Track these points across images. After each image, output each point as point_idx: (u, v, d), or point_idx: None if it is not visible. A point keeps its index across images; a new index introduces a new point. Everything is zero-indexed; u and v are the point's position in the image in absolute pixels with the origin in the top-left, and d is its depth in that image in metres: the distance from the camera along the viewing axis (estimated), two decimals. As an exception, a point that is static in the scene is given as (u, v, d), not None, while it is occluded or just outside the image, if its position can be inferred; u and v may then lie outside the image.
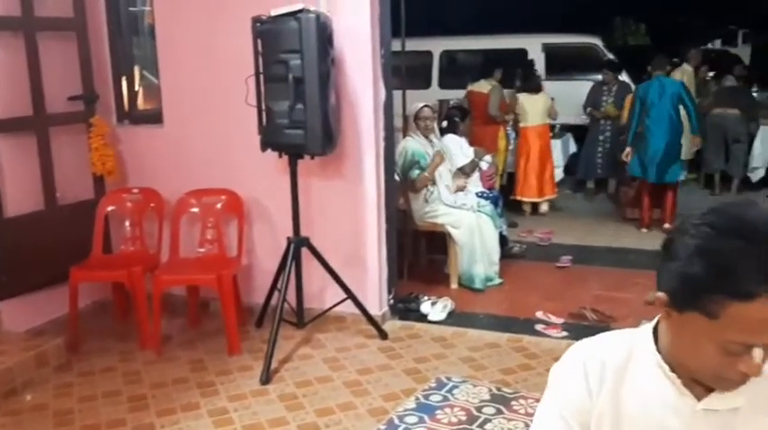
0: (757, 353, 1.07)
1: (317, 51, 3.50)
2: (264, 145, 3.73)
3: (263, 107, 3.68)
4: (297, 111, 3.54)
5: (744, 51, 16.28)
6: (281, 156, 3.81)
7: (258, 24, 3.62)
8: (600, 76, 7.93)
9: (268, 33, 3.61)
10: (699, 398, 1.21)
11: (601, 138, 7.50)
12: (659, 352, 1.24)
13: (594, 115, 7.57)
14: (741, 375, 1.10)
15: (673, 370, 1.21)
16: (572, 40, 9.08)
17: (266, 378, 3.55)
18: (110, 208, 4.36)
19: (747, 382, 1.13)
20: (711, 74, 8.76)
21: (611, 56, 8.71)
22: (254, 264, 4.39)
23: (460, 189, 5.05)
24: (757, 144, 7.77)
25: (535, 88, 6.97)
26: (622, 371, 1.28)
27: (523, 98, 6.92)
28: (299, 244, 3.85)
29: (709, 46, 18.59)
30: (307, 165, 3.90)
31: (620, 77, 7.77)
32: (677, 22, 18.11)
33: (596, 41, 8.91)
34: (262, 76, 3.67)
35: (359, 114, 3.98)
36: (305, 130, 3.54)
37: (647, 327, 1.30)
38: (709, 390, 1.20)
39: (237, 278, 4.15)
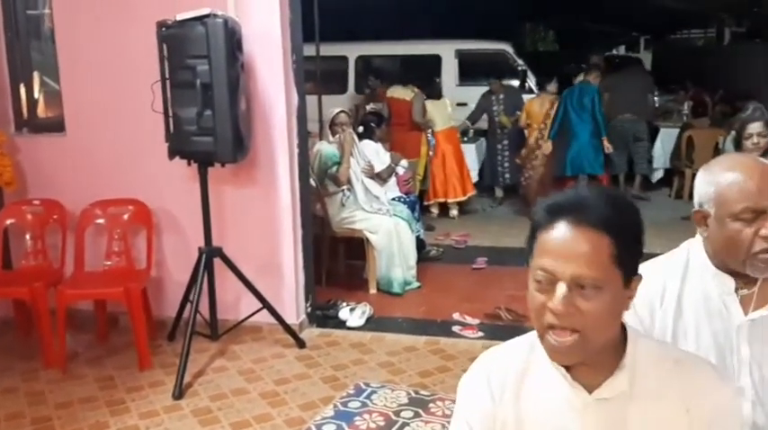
0: (560, 287, 1.15)
1: (225, 56, 3.43)
2: (172, 153, 3.63)
3: (170, 114, 3.58)
4: (205, 117, 3.46)
5: (645, 57, 17.12)
6: (190, 164, 3.71)
7: (163, 29, 3.52)
8: (514, 82, 8.17)
9: (174, 38, 3.51)
10: (591, 391, 1.25)
11: (499, 147, 7.69)
12: None
13: (468, 126, 7.88)
14: (550, 314, 1.16)
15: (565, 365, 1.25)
16: (484, 46, 9.26)
17: (179, 393, 3.44)
18: (9, 221, 4.14)
19: (562, 338, 1.17)
20: None
21: (520, 62, 8.95)
22: (165, 276, 4.25)
23: (349, 146, 4.94)
24: (658, 145, 8.14)
25: (437, 95, 7.21)
26: (523, 373, 1.31)
27: (429, 104, 7.05)
28: (210, 254, 3.76)
29: (614, 51, 19.42)
30: (218, 172, 3.81)
31: (507, 84, 7.99)
32: (584, 28, 18.81)
33: (507, 47, 9.12)
34: (168, 82, 3.56)
35: (271, 120, 3.92)
36: (214, 137, 3.46)
37: None
38: (601, 382, 1.24)
39: (147, 291, 4.02)
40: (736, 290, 1.62)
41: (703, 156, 7.43)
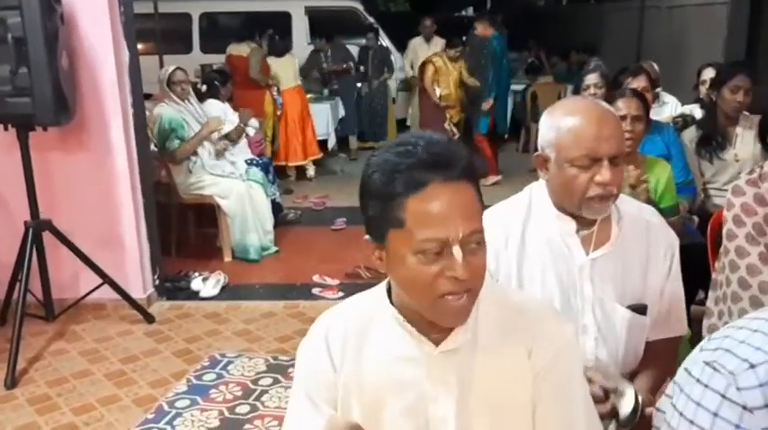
0: (457, 251, 1.05)
1: (39, 7, 3.06)
2: (-16, 117, 3.23)
3: (-21, 73, 3.17)
4: (20, 76, 3.09)
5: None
6: (7, 129, 3.31)
7: (-36, -24, 3.09)
8: (363, 41, 8.14)
9: (-23, -13, 3.09)
10: (437, 344, 1.18)
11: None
12: (393, 304, 1.20)
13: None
14: (453, 283, 1.07)
15: (409, 320, 1.18)
16: (334, 3, 9.10)
17: (12, 381, 3.12)
18: None
19: (467, 299, 1.10)
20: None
21: (372, 20, 8.88)
22: (-11, 256, 3.83)
23: (221, 153, 4.78)
24: (509, 102, 8.42)
25: (280, 51, 6.94)
26: (364, 333, 1.23)
27: (272, 62, 6.83)
28: (38, 228, 3.40)
29: (463, 13, 19.90)
30: (41, 138, 3.43)
31: (380, 42, 8.05)
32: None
33: (357, 6, 9.03)
34: (-27, 37, 3.14)
35: (100, 78, 3.58)
36: (32, 98, 3.10)
37: (383, 283, 1.26)
38: (446, 335, 1.18)
39: (-31, 273, 3.60)
40: (577, 231, 1.64)
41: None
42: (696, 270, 2.66)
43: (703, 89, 4.16)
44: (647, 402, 1.57)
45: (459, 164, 1.08)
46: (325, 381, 1.21)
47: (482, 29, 6.89)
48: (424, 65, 6.81)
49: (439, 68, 6.66)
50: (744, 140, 3.30)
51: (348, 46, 8.23)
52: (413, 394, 1.19)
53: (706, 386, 0.96)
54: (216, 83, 5.37)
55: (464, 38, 7.10)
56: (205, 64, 7.36)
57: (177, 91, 4.60)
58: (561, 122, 1.57)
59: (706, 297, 2.40)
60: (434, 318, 1.13)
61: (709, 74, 4.13)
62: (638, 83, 3.26)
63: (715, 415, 0.94)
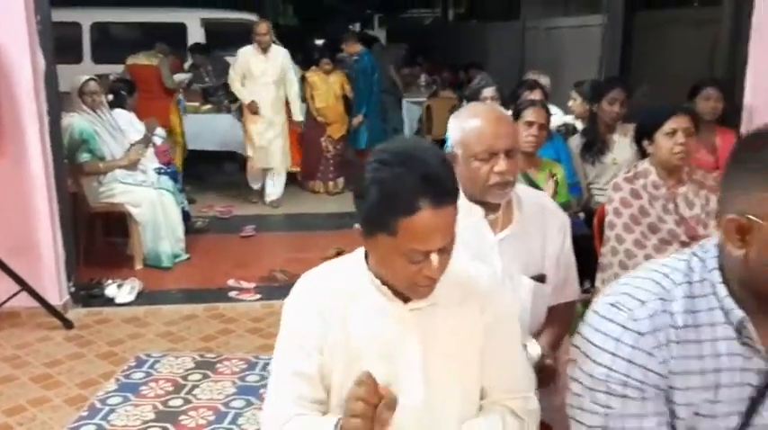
0: (434, 257, 1.31)
1: (-42, 12, 3.07)
2: None
3: None
4: (-62, 81, 3.07)
5: (381, 33, 18.22)
6: None
7: None
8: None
9: None
10: (406, 303, 1.44)
11: None
12: (370, 270, 1.44)
13: None
14: (426, 279, 1.34)
15: (384, 283, 1.42)
16: (230, 15, 9.20)
17: (-68, 390, 3.08)
18: None
19: (434, 285, 1.38)
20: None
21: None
22: None
23: (133, 163, 4.81)
24: (404, 115, 8.80)
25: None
26: (347, 295, 1.44)
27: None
28: (-45, 234, 3.36)
29: (351, 28, 20.33)
30: (-45, 144, 3.41)
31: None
32: (323, 5, 19.40)
33: (253, 18, 9.14)
34: None
35: (16, 85, 3.58)
36: (-48, 103, 3.09)
37: (360, 252, 1.49)
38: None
39: None
40: (485, 216, 1.95)
41: (440, 123, 8.21)
42: (583, 258, 3.07)
43: (572, 103, 4.67)
44: (547, 355, 1.92)
45: (448, 189, 1.30)
46: (316, 333, 1.42)
47: (348, 47, 7.15)
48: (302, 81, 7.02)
49: (313, 84, 6.88)
50: (620, 146, 3.78)
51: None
52: (387, 344, 1.43)
53: (610, 320, 1.25)
54: (122, 92, 5.36)
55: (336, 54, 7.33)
56: (100, 74, 7.23)
57: (88, 101, 4.60)
58: (465, 124, 1.90)
59: (592, 285, 2.81)
60: (406, 293, 1.41)
61: (574, 95, 4.63)
62: (535, 95, 3.68)
63: (617, 340, 1.22)
